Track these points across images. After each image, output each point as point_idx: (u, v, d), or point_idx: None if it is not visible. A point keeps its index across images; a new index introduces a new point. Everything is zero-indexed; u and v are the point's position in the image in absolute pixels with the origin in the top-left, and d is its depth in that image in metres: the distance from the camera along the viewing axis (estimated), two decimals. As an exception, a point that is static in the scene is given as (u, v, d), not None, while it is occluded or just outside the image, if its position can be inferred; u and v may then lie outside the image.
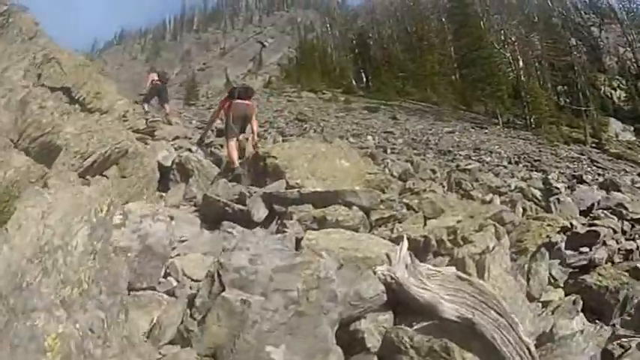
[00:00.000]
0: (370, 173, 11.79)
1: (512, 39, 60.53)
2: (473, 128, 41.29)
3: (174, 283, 5.96)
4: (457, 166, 21.73)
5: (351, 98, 60.59)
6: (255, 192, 9.15)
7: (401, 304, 5.30)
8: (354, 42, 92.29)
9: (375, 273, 5.26)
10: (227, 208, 8.56)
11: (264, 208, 8.58)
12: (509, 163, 25.86)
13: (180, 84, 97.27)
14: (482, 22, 64.86)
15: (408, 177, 14.52)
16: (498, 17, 65.68)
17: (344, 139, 25.92)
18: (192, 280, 6.14)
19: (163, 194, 10.59)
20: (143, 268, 5.61)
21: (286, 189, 9.54)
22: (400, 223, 8.70)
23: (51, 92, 9.02)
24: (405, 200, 9.78)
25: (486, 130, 40.96)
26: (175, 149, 12.98)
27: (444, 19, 76.28)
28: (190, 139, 15.82)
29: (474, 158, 26.04)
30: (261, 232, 7.78)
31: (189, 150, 12.74)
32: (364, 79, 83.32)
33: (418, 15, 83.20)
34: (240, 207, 8.54)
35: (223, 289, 4.78)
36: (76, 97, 9.54)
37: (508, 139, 37.26)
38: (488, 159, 26.16)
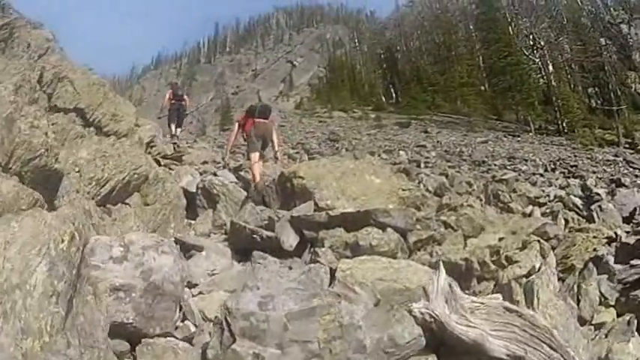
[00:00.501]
0: (404, 189, 10.98)
1: (542, 43, 59.53)
2: (505, 137, 40.63)
3: (193, 329, 5.27)
4: (493, 176, 20.78)
5: (382, 115, 60.85)
6: (283, 216, 8.54)
7: (444, 344, 4.58)
8: (382, 56, 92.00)
9: (410, 312, 4.55)
10: (255, 235, 7.96)
11: (294, 235, 7.93)
12: (546, 170, 24.96)
13: (216, 109, 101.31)
14: (510, 28, 63.96)
15: (443, 191, 14.08)
16: (527, 21, 64.45)
17: (376, 155, 25.39)
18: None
19: (192, 222, 10.08)
20: (153, 310, 4.85)
21: (315, 211, 8.91)
22: (439, 244, 8.14)
23: (64, 114, 8.47)
24: (442, 217, 9.25)
25: (519, 138, 40.29)
26: (200, 173, 12.57)
27: (472, 27, 75.71)
28: (219, 163, 15.22)
29: (509, 167, 25.22)
30: (275, 265, 7.26)
31: (214, 174, 12.18)
32: (394, 95, 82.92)
33: (446, 24, 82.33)
34: (269, 234, 7.94)
35: (234, 340, 4.09)
36: (91, 119, 8.99)
37: (542, 145, 36.46)
38: (523, 167, 25.28)
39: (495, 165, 26.20)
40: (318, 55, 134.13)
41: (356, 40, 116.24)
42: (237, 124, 13.38)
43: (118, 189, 8.23)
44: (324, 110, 71.06)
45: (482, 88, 65.86)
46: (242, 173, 12.78)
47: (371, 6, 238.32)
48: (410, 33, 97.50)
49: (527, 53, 59.43)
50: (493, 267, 7.15)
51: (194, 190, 10.74)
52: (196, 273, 6.85)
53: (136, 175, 8.62)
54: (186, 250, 7.66)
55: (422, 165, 22.95)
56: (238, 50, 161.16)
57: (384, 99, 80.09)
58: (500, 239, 7.99)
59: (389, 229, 7.69)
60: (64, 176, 7.28)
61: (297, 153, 29.77)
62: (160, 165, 14.52)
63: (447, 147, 33.33)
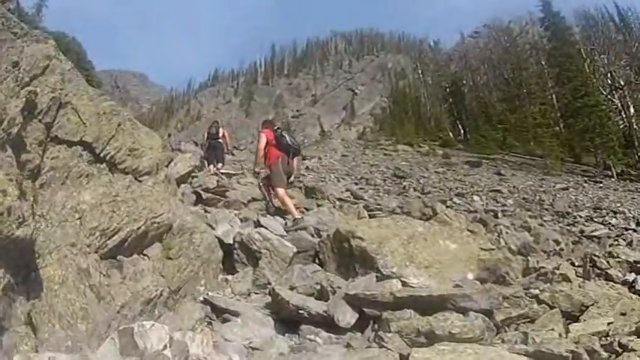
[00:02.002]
0: (484, 249, 9.40)
1: (621, 83, 57.64)
2: (586, 182, 38.75)
3: None
4: (581, 231, 19.05)
5: (450, 152, 60.05)
6: (338, 287, 7.20)
7: None
8: (448, 90, 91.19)
9: None
10: (301, 312, 6.55)
11: (351, 312, 6.48)
12: (638, 224, 22.89)
13: None
14: (585, 65, 62.04)
15: (528, 251, 12.56)
16: (604, 58, 62.53)
17: (448, 200, 23.98)
18: None
19: (229, 277, 8.57)
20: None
21: (379, 278, 7.68)
22: (532, 321, 6.90)
23: (67, 147, 7.02)
24: (533, 291, 7.97)
25: (601, 185, 38.33)
26: (241, 220, 11.08)
27: (543, 62, 72.98)
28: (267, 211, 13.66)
29: (596, 220, 23.20)
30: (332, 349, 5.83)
31: (257, 222, 10.54)
32: (461, 131, 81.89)
33: (515, 59, 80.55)
34: (319, 310, 6.53)
35: None
36: (101, 155, 7.50)
37: (627, 193, 34.29)
38: (613, 221, 23.14)
39: (581, 217, 24.09)
40: (380, 84, 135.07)
41: (419, 71, 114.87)
42: (264, 139, 12.85)
43: (131, 240, 6.78)
44: (388, 143, 70.02)
45: (557, 128, 63.60)
46: (290, 223, 11.21)
47: (434, 36, 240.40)
48: (476, 67, 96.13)
49: (605, 93, 57.62)
50: (605, 354, 5.73)
51: (230, 242, 9.14)
52: (228, 346, 5.80)
53: (155, 225, 7.17)
54: (218, 313, 6.82)
55: (499, 215, 21.17)
56: (297, 74, 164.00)
57: (451, 135, 78.90)
58: (609, 323, 6.58)
59: (472, 314, 6.22)
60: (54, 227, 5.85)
61: (360, 189, 28.49)
62: (201, 198, 13.26)
63: (524, 193, 31.62)
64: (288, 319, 6.68)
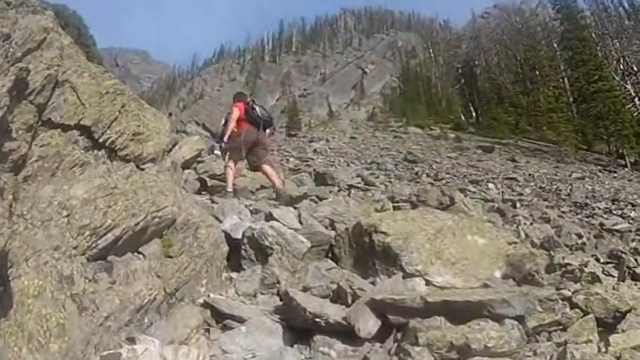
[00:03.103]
0: (510, 243, 8.70)
1: (634, 69, 56.96)
2: (601, 172, 38.28)
3: None
4: (601, 224, 18.59)
5: (462, 135, 60.30)
6: (359, 288, 6.44)
7: None
8: (460, 71, 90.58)
9: None
10: (318, 320, 5.83)
11: (374, 320, 5.77)
12: (658, 219, 22.26)
13: (282, 111, 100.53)
14: (597, 49, 61.38)
15: (552, 245, 12.04)
16: (616, 42, 61.87)
17: (466, 191, 23.33)
18: None
19: (234, 275, 7.81)
20: None
21: (404, 276, 7.07)
22: (564, 329, 6.35)
23: (62, 131, 6.41)
24: (563, 292, 7.33)
25: (615, 174, 37.94)
26: (251, 212, 10.31)
27: (555, 45, 72.56)
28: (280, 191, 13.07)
29: (615, 213, 22.80)
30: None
31: (269, 214, 9.57)
32: (473, 114, 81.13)
33: (527, 39, 79.84)
34: (338, 319, 5.77)
35: None
36: (101, 140, 6.87)
37: (643, 184, 33.55)
38: (632, 214, 22.72)
39: (599, 209, 23.66)
40: (390, 63, 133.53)
41: (430, 51, 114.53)
42: (236, 111, 12.68)
43: (126, 238, 6.13)
44: (398, 124, 70.53)
45: (570, 113, 62.88)
46: (305, 214, 10.19)
47: (443, 15, 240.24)
48: (488, 47, 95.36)
49: (618, 79, 56.95)
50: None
51: (238, 237, 8.33)
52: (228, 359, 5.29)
53: (156, 220, 6.50)
54: (220, 318, 6.14)
55: (517, 205, 20.52)
56: (305, 51, 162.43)
57: (463, 117, 78.35)
58: (651, 333, 5.92)
59: (507, 321, 5.60)
60: (35, 228, 5.24)
61: (371, 174, 27.75)
62: (206, 185, 12.62)
63: (540, 182, 31.17)
64: (300, 327, 6.05)
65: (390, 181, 26.22)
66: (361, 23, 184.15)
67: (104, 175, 6.37)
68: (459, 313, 5.64)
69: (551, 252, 10.84)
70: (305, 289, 6.88)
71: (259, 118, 12.54)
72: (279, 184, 12.20)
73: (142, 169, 7.35)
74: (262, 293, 7.31)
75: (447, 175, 31.36)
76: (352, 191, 17.95)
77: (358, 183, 21.10)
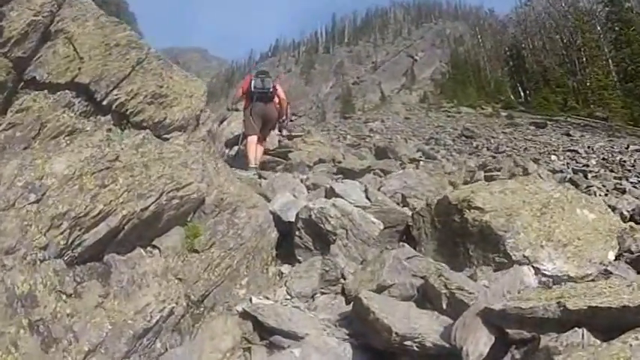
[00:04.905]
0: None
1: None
2: (654, 145, 35.82)
3: None
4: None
5: (514, 113, 57.95)
6: (458, 288, 4.29)
7: None
8: (507, 54, 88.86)
9: None
10: (408, 344, 3.71)
11: (486, 336, 3.59)
12: None
13: (336, 97, 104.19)
14: (643, 30, 59.50)
15: None
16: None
17: (541, 162, 21.70)
18: None
19: (285, 270, 5.64)
20: None
21: (502, 265, 5.12)
22: None
23: (48, 92, 4.44)
24: None
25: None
26: (308, 188, 8.07)
27: (599, 27, 70.91)
28: (339, 163, 11.10)
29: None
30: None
31: (331, 189, 7.15)
32: (522, 94, 78.85)
33: (571, 23, 77.75)
34: (437, 341, 3.68)
35: None
36: (105, 102, 4.82)
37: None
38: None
39: (665, 179, 21.63)
40: (439, 50, 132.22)
41: (479, 36, 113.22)
42: (239, 87, 11.82)
43: (129, 228, 4.07)
44: (450, 105, 68.61)
45: (614, 92, 60.92)
46: (372, 188, 7.54)
47: (488, 4, 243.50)
48: (533, 32, 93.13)
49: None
50: None
51: (291, 220, 6.07)
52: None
53: (175, 201, 4.45)
54: (265, 332, 4.13)
55: (588, 176, 18.59)
56: (357, 42, 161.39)
57: (512, 97, 76.06)
58: None
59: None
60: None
61: (431, 149, 26.38)
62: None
63: (601, 154, 28.97)
64: (379, 350, 3.97)
65: (452, 155, 25.17)
66: (410, 14, 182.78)
67: (100, 144, 4.23)
68: (608, 322, 3.42)
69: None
70: (381, 288, 4.77)
71: (253, 91, 11.14)
72: (252, 164, 10.50)
73: (166, 139, 5.26)
74: (323, 292, 5.20)
75: (507, 148, 29.96)
76: (421, 163, 16.14)
77: (420, 157, 19.41)
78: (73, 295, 3.31)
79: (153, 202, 4.18)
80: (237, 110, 12.47)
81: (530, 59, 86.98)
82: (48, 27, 4.74)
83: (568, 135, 38.77)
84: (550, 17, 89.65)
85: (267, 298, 4.87)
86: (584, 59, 69.31)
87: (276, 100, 11.35)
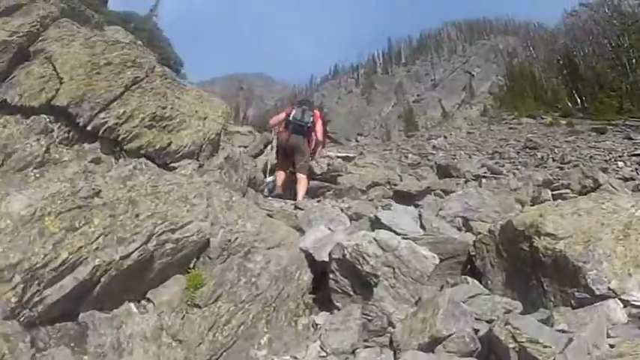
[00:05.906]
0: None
1: None
2: None
3: None
4: None
5: (573, 121, 56.61)
6: (530, 340, 3.27)
7: None
8: (561, 62, 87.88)
9: None
10: None
11: None
12: None
13: (398, 116, 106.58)
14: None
15: None
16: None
17: (609, 170, 20.56)
18: None
19: (320, 320, 4.42)
20: None
21: (585, 300, 4.01)
22: None
23: (22, 117, 3.62)
24: None
25: None
26: (350, 218, 6.73)
27: (643, 31, 69.15)
28: (395, 185, 10.04)
29: None
30: None
31: (376, 220, 5.81)
32: (578, 101, 77.47)
33: (619, 26, 77.52)
34: None
35: None
36: (89, 127, 3.94)
37: None
38: None
39: None
40: (494, 65, 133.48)
41: (531, 48, 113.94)
42: (282, 115, 11.20)
43: (106, 280, 3.13)
44: (511, 117, 68.32)
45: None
46: (428, 213, 6.46)
47: (535, 17, 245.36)
48: (582, 39, 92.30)
49: None
50: None
51: (325, 259, 4.82)
52: None
53: (169, 245, 3.51)
54: None
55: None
56: (414, 62, 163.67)
57: (569, 104, 74.72)
58: None
59: None
60: None
61: (496, 163, 25.53)
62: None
63: (669, 157, 27.62)
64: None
65: (518, 168, 23.91)
66: (462, 32, 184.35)
67: (74, 177, 3.28)
68: None
69: None
70: (434, 341, 3.65)
71: (288, 122, 10.74)
72: (299, 197, 9.70)
73: (173, 168, 4.27)
74: (367, 345, 4.03)
75: (572, 158, 28.48)
76: (483, 180, 15.01)
77: (485, 173, 18.47)
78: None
79: (137, 249, 3.26)
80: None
81: (582, 66, 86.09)
82: (26, 48, 3.93)
83: (630, 139, 37.17)
84: (596, 24, 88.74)
85: (296, 359, 3.83)
86: (634, 60, 69.14)
87: (314, 134, 10.76)
